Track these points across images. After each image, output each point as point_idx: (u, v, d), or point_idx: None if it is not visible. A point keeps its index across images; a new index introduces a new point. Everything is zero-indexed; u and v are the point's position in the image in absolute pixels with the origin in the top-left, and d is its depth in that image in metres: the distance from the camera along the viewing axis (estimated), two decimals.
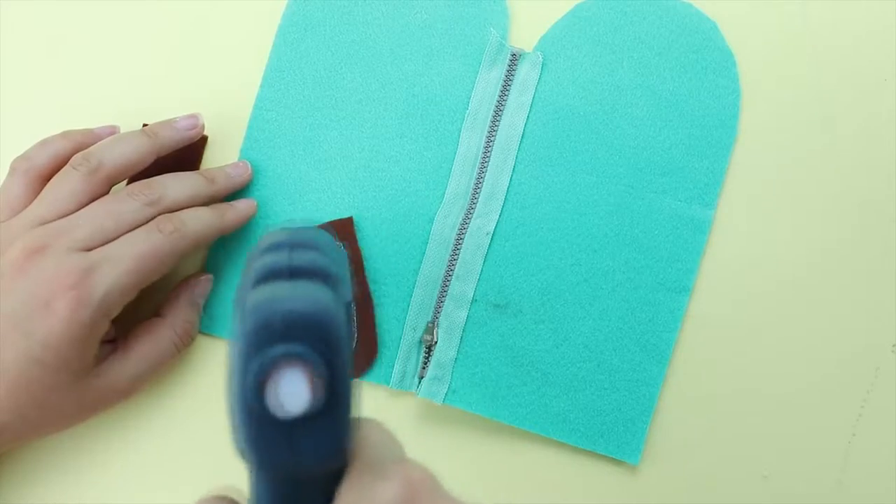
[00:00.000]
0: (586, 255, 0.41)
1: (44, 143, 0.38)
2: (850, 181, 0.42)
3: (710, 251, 0.42)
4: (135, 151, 0.37)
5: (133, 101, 0.42)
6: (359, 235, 0.41)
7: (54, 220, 0.34)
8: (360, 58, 0.42)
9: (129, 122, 0.42)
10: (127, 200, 0.35)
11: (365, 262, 0.41)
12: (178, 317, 0.39)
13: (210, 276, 0.40)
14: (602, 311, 0.41)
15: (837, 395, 0.41)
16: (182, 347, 0.39)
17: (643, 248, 0.41)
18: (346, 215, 0.41)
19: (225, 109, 0.42)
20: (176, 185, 0.37)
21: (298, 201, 0.41)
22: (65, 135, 0.38)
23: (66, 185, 0.35)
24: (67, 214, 0.35)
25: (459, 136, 0.42)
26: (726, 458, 0.41)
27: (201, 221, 0.37)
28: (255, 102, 0.42)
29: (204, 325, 0.41)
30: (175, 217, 0.36)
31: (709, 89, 0.42)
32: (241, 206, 0.40)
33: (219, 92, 0.42)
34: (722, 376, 0.41)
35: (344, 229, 0.41)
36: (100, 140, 0.38)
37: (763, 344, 0.42)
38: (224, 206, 0.39)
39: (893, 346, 0.42)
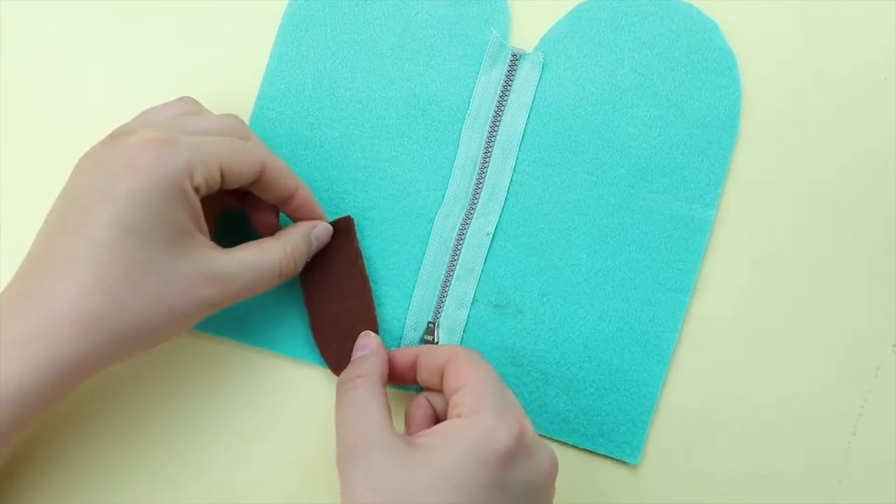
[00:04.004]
0: (586, 255, 0.41)
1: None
2: (850, 181, 0.42)
3: (710, 251, 0.42)
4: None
5: (133, 101, 0.42)
6: (359, 236, 0.41)
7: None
8: (361, 57, 0.42)
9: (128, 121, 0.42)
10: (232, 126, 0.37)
11: (365, 263, 0.41)
12: (291, 240, 0.37)
13: (329, 228, 0.40)
14: (602, 311, 0.41)
15: (837, 394, 0.41)
16: (285, 272, 0.37)
17: (644, 248, 0.41)
18: (346, 215, 0.41)
19: (225, 108, 0.42)
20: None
21: None
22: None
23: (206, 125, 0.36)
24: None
25: (460, 136, 0.42)
26: (726, 457, 0.41)
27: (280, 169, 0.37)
28: (256, 101, 0.42)
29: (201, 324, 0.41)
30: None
31: (710, 89, 0.42)
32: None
33: (219, 91, 0.42)
34: (722, 376, 0.41)
35: (343, 228, 0.40)
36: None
37: (763, 344, 0.42)
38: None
39: (893, 346, 0.42)
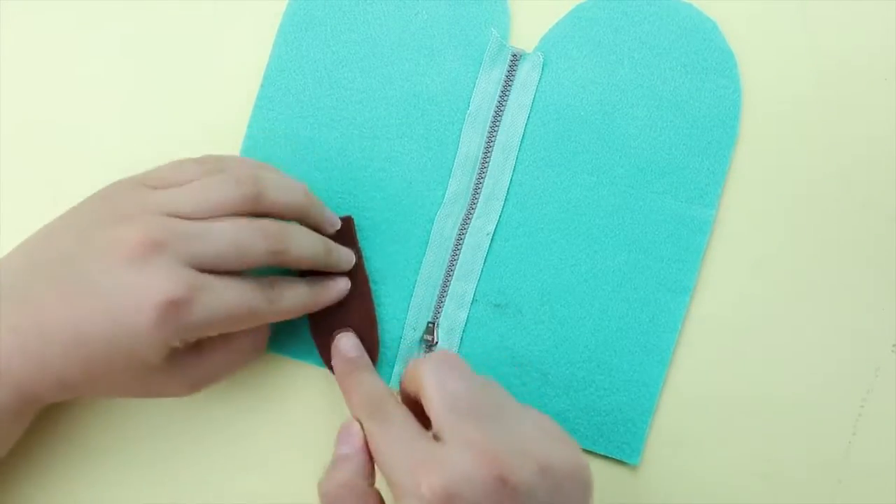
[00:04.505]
0: (586, 256, 0.41)
1: (242, 158, 0.39)
2: (850, 181, 0.42)
3: (710, 251, 0.42)
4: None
5: (132, 100, 0.42)
6: (359, 236, 0.41)
7: (187, 216, 0.34)
8: (361, 57, 0.42)
9: (127, 122, 0.42)
10: (257, 240, 0.35)
11: (365, 262, 0.41)
12: (261, 333, 0.38)
13: (337, 289, 0.39)
14: (602, 311, 0.41)
15: (837, 395, 0.41)
16: (258, 354, 0.39)
17: (643, 248, 0.41)
18: (346, 215, 0.41)
19: (225, 108, 0.42)
20: (302, 245, 0.37)
21: None
22: (262, 166, 0.38)
23: (220, 194, 0.35)
24: (201, 218, 0.34)
25: (460, 136, 0.42)
26: (726, 458, 0.41)
27: (297, 300, 0.37)
28: (256, 102, 0.42)
29: None
30: (278, 288, 0.36)
31: (709, 89, 0.42)
32: (338, 287, 0.39)
33: (219, 91, 0.42)
34: (722, 376, 0.41)
35: (343, 228, 0.40)
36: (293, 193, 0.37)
37: (763, 344, 0.42)
38: (321, 285, 0.39)
39: (893, 346, 0.42)
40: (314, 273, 0.39)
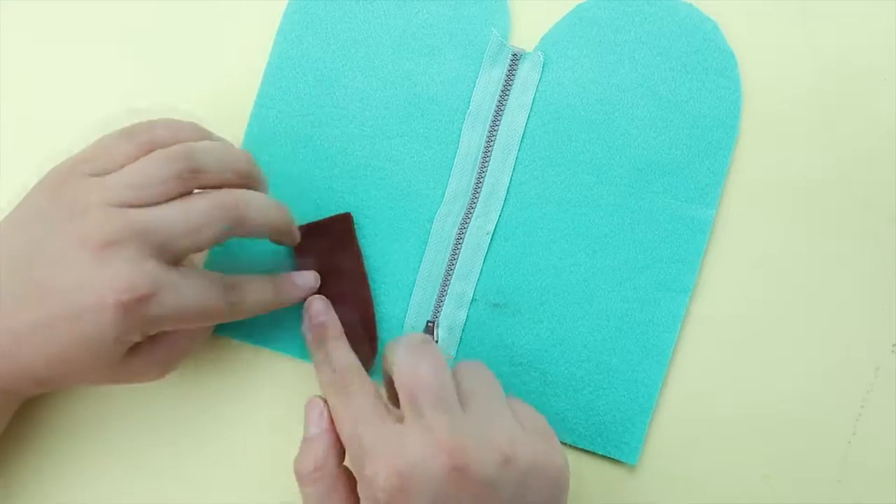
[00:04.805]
0: (586, 255, 0.41)
1: (172, 123, 0.36)
2: (850, 181, 0.42)
3: (710, 251, 0.42)
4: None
5: (133, 99, 0.42)
6: (359, 234, 0.41)
7: (138, 204, 0.33)
8: (361, 56, 0.42)
9: (128, 122, 0.42)
10: (214, 214, 0.34)
11: (365, 261, 0.41)
12: (204, 330, 0.38)
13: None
14: (601, 310, 0.41)
15: (837, 395, 0.41)
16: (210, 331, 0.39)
17: (643, 248, 0.41)
18: (344, 212, 0.41)
19: (226, 107, 0.42)
20: (261, 209, 0.36)
21: (298, 200, 0.41)
22: (195, 128, 0.37)
23: (159, 172, 0.33)
24: (150, 204, 0.33)
25: (460, 135, 0.42)
26: (726, 458, 0.41)
27: (260, 300, 0.37)
28: (256, 100, 0.42)
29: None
30: (240, 288, 0.36)
31: (709, 89, 0.42)
32: (304, 283, 0.39)
33: (220, 90, 0.42)
34: (721, 376, 0.41)
35: (342, 225, 0.40)
36: (221, 155, 0.36)
37: (763, 344, 0.42)
38: (285, 281, 0.38)
39: (893, 346, 0.42)
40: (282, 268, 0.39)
